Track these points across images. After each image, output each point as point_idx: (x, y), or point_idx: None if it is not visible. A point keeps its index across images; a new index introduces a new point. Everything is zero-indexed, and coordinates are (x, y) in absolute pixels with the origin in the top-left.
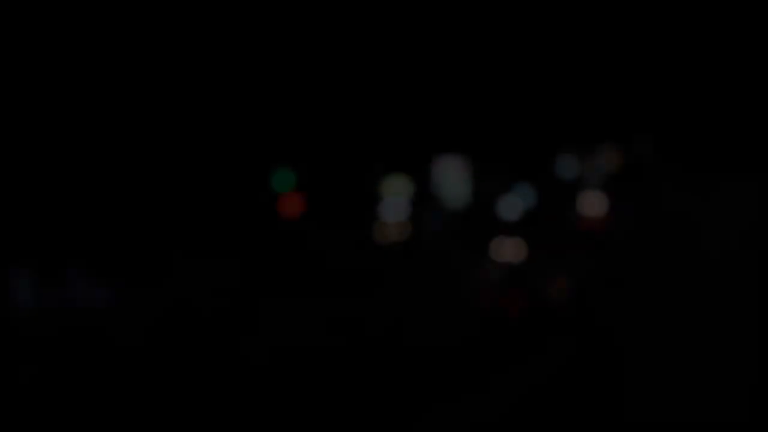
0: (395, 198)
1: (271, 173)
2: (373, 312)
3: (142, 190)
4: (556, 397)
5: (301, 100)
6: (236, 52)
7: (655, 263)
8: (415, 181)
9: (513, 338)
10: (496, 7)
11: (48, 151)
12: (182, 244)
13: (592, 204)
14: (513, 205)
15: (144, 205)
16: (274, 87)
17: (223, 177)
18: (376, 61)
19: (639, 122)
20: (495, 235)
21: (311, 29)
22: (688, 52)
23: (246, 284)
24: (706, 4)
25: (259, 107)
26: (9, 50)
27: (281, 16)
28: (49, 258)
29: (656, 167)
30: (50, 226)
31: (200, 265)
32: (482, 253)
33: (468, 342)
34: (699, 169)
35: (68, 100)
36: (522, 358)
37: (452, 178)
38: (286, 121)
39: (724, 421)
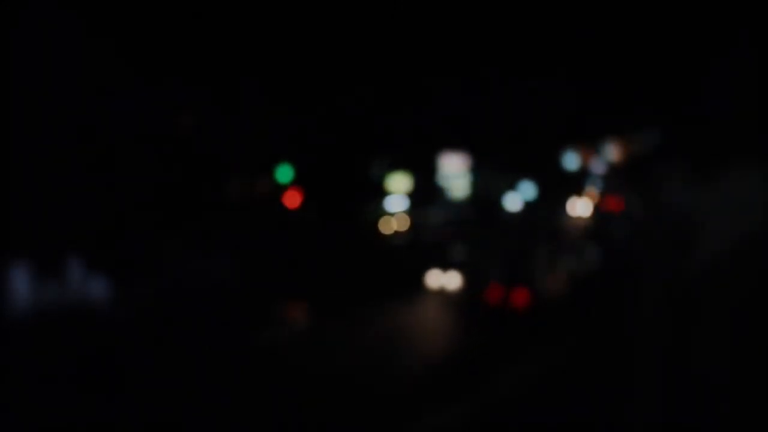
0: (397, 192)
1: (274, 166)
2: (373, 308)
3: (141, 183)
4: (555, 397)
5: (301, 96)
6: (238, 53)
7: (660, 258)
8: (417, 175)
9: (514, 335)
10: (496, 5)
11: (44, 146)
12: (182, 235)
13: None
14: (514, 200)
15: (144, 198)
16: (276, 85)
17: (224, 169)
18: (377, 59)
19: (644, 116)
20: (496, 231)
21: (312, 29)
22: (690, 47)
23: (246, 276)
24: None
25: (260, 105)
26: (8, 49)
27: (283, 16)
28: (46, 250)
29: (662, 160)
30: (47, 218)
31: (200, 257)
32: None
33: (469, 339)
34: (704, 162)
35: (62, 95)
36: (523, 356)
37: (454, 173)
38: (287, 118)
39: (729, 419)
